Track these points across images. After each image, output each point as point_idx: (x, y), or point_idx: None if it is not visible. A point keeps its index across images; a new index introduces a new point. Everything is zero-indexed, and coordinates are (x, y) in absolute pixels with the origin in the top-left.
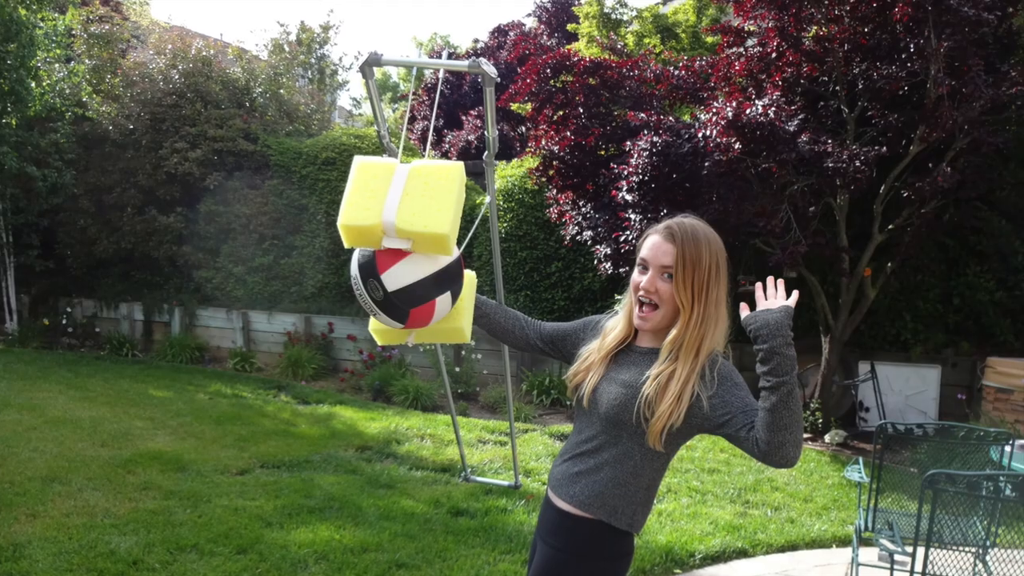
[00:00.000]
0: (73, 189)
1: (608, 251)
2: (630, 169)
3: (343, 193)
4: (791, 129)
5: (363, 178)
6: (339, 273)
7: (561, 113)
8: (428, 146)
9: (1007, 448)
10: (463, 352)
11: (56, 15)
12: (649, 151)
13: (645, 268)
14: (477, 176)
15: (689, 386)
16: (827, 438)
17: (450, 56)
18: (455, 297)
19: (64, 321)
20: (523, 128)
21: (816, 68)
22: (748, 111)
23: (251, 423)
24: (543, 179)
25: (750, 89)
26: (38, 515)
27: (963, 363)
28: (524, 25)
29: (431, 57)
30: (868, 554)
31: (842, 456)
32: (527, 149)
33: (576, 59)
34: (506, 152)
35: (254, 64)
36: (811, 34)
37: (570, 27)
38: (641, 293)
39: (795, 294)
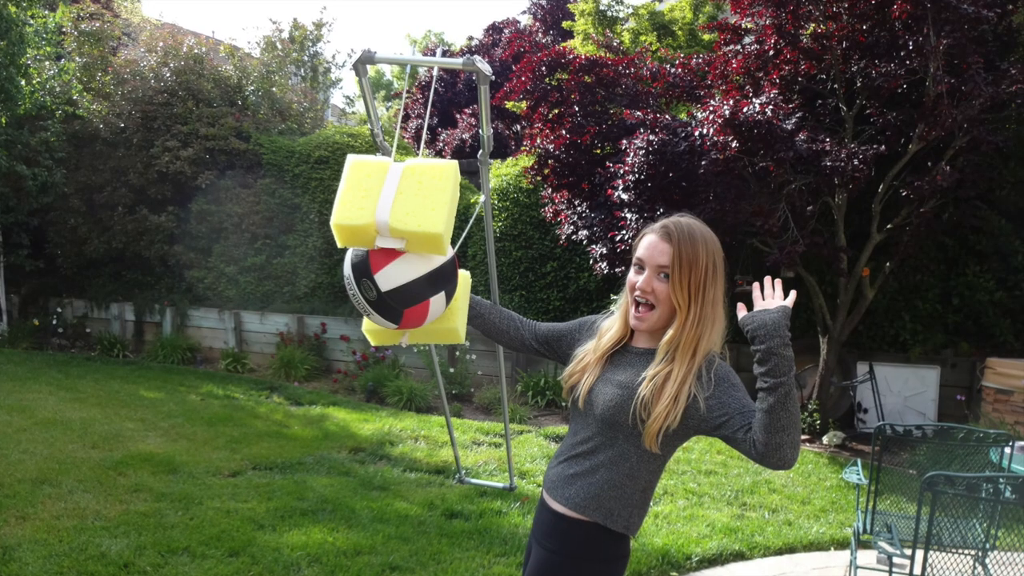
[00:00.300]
0: (63, 188)
1: (604, 251)
2: (626, 168)
3: (336, 192)
4: (789, 127)
5: (356, 177)
6: (332, 273)
7: (556, 111)
8: (422, 144)
9: (1007, 450)
10: (457, 353)
11: (46, 12)
12: (645, 150)
13: (641, 268)
14: (471, 175)
15: (686, 387)
16: (825, 439)
17: (444, 54)
18: (449, 297)
19: (54, 321)
20: (518, 126)
21: (814, 66)
22: (745, 109)
23: (243, 424)
24: (538, 178)
25: (747, 87)
26: (28, 517)
27: (962, 364)
28: (519, 23)
29: (425, 55)
30: (867, 557)
31: (840, 458)
32: (522, 148)
33: (571, 57)
34: (501, 151)
35: (246, 62)
36: (809, 31)
37: (565, 24)
38: (637, 293)
39: (793, 294)
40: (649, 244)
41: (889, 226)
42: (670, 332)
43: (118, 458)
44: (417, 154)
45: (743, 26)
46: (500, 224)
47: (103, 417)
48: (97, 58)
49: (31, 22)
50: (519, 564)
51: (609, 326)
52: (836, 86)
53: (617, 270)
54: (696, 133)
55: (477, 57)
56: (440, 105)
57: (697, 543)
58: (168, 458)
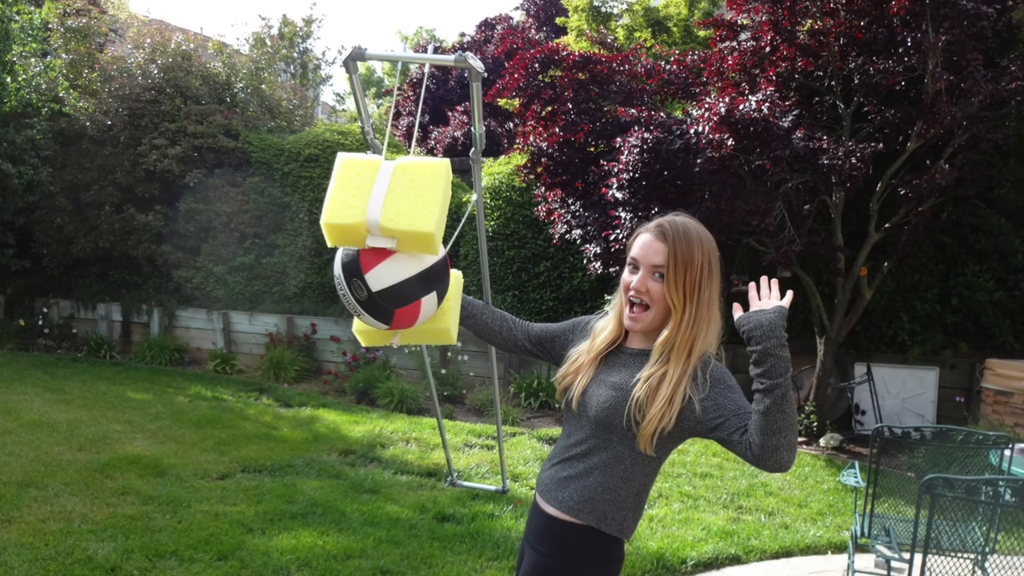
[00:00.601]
0: (49, 187)
1: (598, 250)
2: (620, 166)
3: (326, 191)
4: (785, 125)
5: (347, 175)
6: (322, 273)
7: (550, 109)
8: (413, 142)
9: (1006, 452)
10: (449, 354)
11: (32, 8)
12: (640, 148)
13: (636, 267)
14: (463, 173)
15: (681, 388)
16: (822, 442)
17: (436, 50)
18: (441, 297)
19: (40, 322)
20: (511, 124)
21: (811, 63)
22: (741, 107)
23: (232, 426)
24: (531, 176)
25: (743, 84)
26: (13, 521)
27: (961, 365)
28: (512, 19)
29: (416, 52)
30: (864, 561)
31: (838, 460)
32: (515, 146)
33: (565, 53)
34: (493, 149)
35: (235, 59)
36: (806, 28)
37: (559, 21)
38: (632, 293)
39: (789, 294)
40: (644, 243)
41: (887, 225)
42: (665, 333)
43: (105, 460)
44: (408, 152)
45: (739, 22)
46: (492, 223)
47: (90, 419)
48: (84, 55)
49: (16, 18)
50: (512, 568)
51: (603, 327)
52: (834, 83)
53: (611, 270)
54: (691, 131)
55: (469, 54)
56: (432, 102)
57: (692, 547)
58: (156, 460)
